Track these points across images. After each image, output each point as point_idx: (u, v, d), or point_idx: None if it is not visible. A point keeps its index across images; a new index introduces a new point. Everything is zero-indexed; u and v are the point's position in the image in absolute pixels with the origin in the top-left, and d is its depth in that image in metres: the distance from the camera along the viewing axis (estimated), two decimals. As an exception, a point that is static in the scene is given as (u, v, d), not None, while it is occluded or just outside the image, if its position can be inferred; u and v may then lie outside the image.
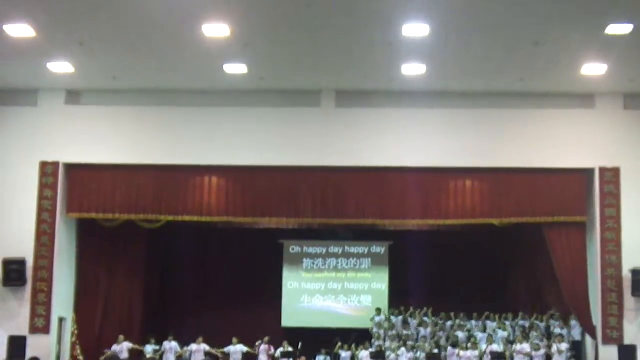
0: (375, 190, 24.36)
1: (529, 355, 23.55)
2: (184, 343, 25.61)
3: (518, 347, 23.84)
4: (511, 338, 25.05)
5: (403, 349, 24.66)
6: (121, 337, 24.95)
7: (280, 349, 25.23)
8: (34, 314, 23.85)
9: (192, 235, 28.27)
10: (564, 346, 23.56)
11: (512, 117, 24.20)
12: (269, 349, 25.33)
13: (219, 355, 25.39)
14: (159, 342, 25.52)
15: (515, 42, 20.23)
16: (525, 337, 24.37)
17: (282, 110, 24.47)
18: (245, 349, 25.40)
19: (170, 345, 25.34)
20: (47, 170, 24.31)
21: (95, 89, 24.56)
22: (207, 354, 25.37)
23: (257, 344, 25.51)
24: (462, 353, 24.34)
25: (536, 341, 24.01)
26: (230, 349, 25.48)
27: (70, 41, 20.72)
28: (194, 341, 25.43)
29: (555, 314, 25.38)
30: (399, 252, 29.58)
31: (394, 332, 26.13)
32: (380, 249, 30.09)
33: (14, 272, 23.78)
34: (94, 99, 24.70)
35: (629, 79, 22.72)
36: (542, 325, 25.38)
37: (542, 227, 24.34)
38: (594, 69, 21.95)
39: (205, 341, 25.39)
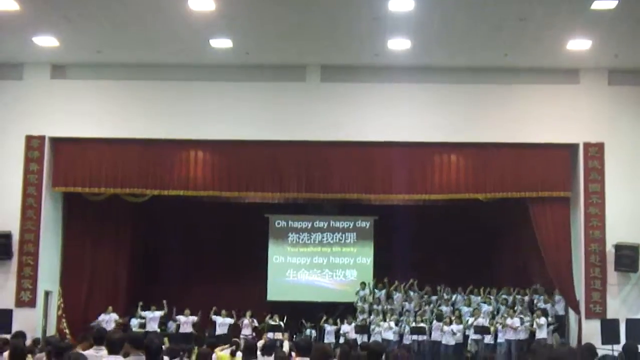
0: (360, 164, 24.42)
1: (516, 329, 23.76)
2: (168, 316, 25.94)
3: (508, 321, 23.99)
4: (495, 312, 25.24)
5: (386, 323, 24.84)
6: (110, 307, 25.11)
7: (270, 321, 25.46)
8: (20, 288, 23.90)
9: (177, 209, 28.23)
10: (543, 320, 23.73)
11: (497, 92, 24.27)
12: (252, 322, 25.63)
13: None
14: (144, 316, 25.68)
15: (500, 17, 20.24)
16: (512, 312, 24.51)
17: (268, 85, 24.47)
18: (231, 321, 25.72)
19: (153, 315, 25.49)
20: (33, 144, 24.30)
21: (81, 63, 24.55)
22: (194, 325, 25.68)
23: (239, 321, 25.78)
24: (445, 327, 24.54)
25: (521, 315, 24.22)
26: (218, 319, 25.80)
27: (55, 15, 20.67)
28: (181, 313, 25.77)
29: (538, 288, 25.49)
30: (384, 227, 29.69)
31: (379, 306, 26.29)
32: (365, 223, 30.22)
33: (0, 245, 23.82)
34: (80, 73, 24.70)
35: (613, 54, 22.77)
36: (526, 299, 25.52)
37: (527, 202, 24.45)
38: (578, 45, 22.01)
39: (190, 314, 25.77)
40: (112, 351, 9.17)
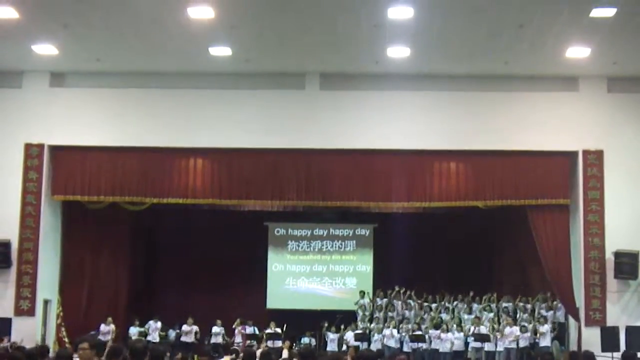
0: (360, 172, 24.39)
1: (517, 338, 23.69)
2: (168, 324, 26.00)
3: (507, 330, 23.94)
4: (497, 319, 25.19)
5: (387, 330, 24.81)
6: (109, 318, 25.06)
7: (268, 330, 25.44)
8: (19, 296, 23.85)
9: (177, 217, 28.25)
10: (546, 327, 23.71)
11: (496, 100, 24.27)
12: (243, 329, 25.64)
13: None
14: (143, 324, 25.65)
15: (499, 25, 20.26)
16: (514, 320, 24.48)
17: (267, 93, 24.45)
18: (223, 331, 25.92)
19: (156, 325, 25.54)
20: (32, 152, 24.28)
21: (80, 71, 24.52)
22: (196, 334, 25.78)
23: (233, 327, 25.87)
24: (443, 335, 24.49)
25: (523, 323, 24.17)
26: (213, 329, 25.93)
27: (54, 23, 20.67)
28: (182, 322, 25.91)
29: (540, 296, 25.42)
30: (383, 235, 29.64)
31: (380, 313, 26.25)
32: (365, 231, 30.18)
33: (-1, 254, 23.83)
34: (79, 81, 24.68)
35: (612, 62, 22.79)
36: (528, 307, 25.46)
37: (526, 210, 24.42)
38: (577, 52, 22.02)
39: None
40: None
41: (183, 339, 25.71)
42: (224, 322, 26.15)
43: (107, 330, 24.56)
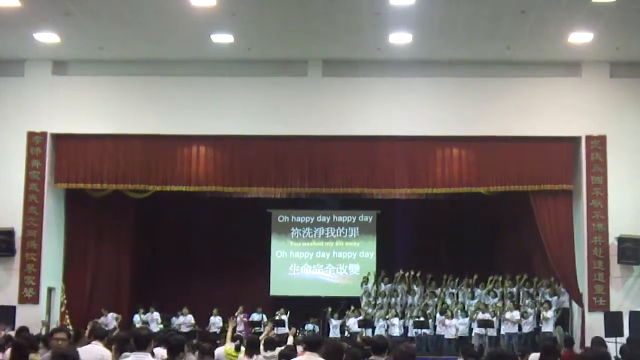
0: (363, 159, 24.38)
1: (518, 322, 23.73)
2: (171, 312, 26.05)
3: (507, 314, 23.99)
4: (499, 304, 25.21)
5: (391, 319, 24.84)
6: (104, 310, 25.10)
7: (279, 315, 25.58)
8: (22, 284, 23.88)
9: (180, 204, 28.26)
10: (550, 313, 23.75)
11: (498, 86, 24.23)
12: (245, 317, 25.70)
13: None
14: (147, 312, 25.72)
15: (501, 10, 20.21)
16: (515, 305, 24.54)
17: (269, 80, 24.43)
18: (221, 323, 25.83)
19: (152, 316, 25.61)
20: (35, 140, 24.27)
21: (82, 59, 24.51)
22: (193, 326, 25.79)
23: (233, 317, 25.84)
24: (449, 321, 24.53)
25: (526, 308, 24.21)
26: (212, 320, 26.08)
27: (56, 11, 20.65)
28: (181, 311, 26.00)
29: (546, 281, 25.43)
30: (386, 221, 29.65)
31: (383, 299, 26.26)
32: (368, 217, 30.18)
33: (3, 242, 23.81)
34: (81, 69, 24.68)
35: (615, 47, 22.74)
36: (532, 291, 25.49)
37: (529, 195, 24.41)
38: (580, 37, 21.98)
39: (193, 310, 25.94)
40: (140, 347, 9.14)
41: (181, 329, 25.64)
42: (227, 309, 26.14)
43: (106, 321, 24.50)
